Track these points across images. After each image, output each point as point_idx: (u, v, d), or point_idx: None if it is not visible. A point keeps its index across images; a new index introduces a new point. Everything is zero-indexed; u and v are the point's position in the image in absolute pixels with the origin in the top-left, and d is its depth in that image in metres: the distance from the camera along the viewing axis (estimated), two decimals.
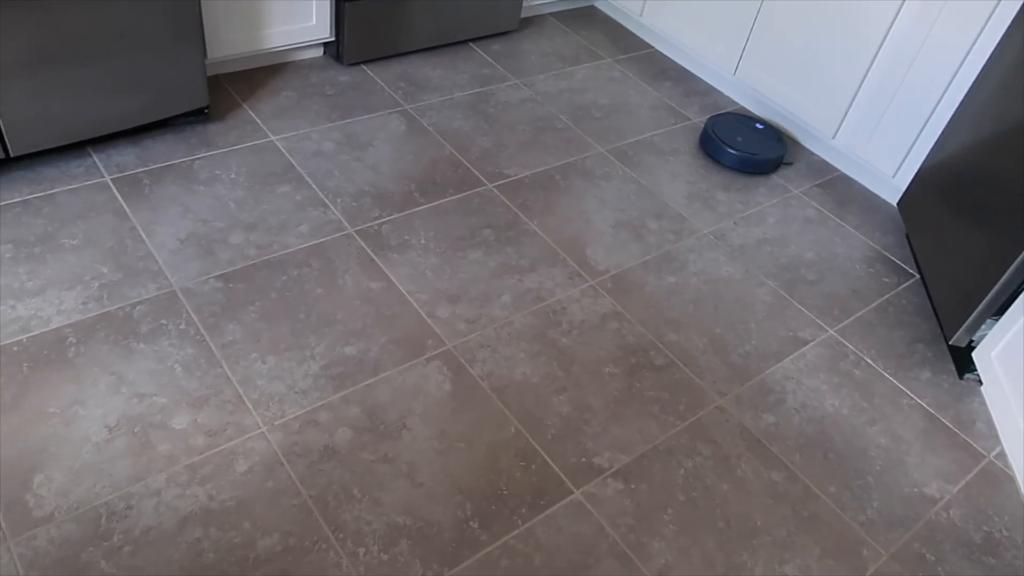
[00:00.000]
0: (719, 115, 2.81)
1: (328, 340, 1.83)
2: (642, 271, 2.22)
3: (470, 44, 3.04)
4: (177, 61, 2.15)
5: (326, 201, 2.20)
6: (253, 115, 2.45)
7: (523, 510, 1.60)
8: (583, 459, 1.72)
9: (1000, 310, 2.01)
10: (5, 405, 1.56)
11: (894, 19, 2.40)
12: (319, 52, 2.79)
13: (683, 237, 2.37)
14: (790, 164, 2.76)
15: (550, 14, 3.34)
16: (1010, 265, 1.93)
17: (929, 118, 2.41)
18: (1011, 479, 1.87)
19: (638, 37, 3.32)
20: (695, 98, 3.01)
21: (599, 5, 3.48)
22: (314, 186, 2.24)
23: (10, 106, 1.93)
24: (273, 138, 2.38)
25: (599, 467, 1.71)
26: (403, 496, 1.57)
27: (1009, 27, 2.15)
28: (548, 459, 1.70)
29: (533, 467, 1.68)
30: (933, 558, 1.68)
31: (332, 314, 1.90)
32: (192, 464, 1.54)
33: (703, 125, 2.87)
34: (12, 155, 2.00)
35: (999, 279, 1.96)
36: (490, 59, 2.97)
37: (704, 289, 2.20)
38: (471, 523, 1.56)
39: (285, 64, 2.71)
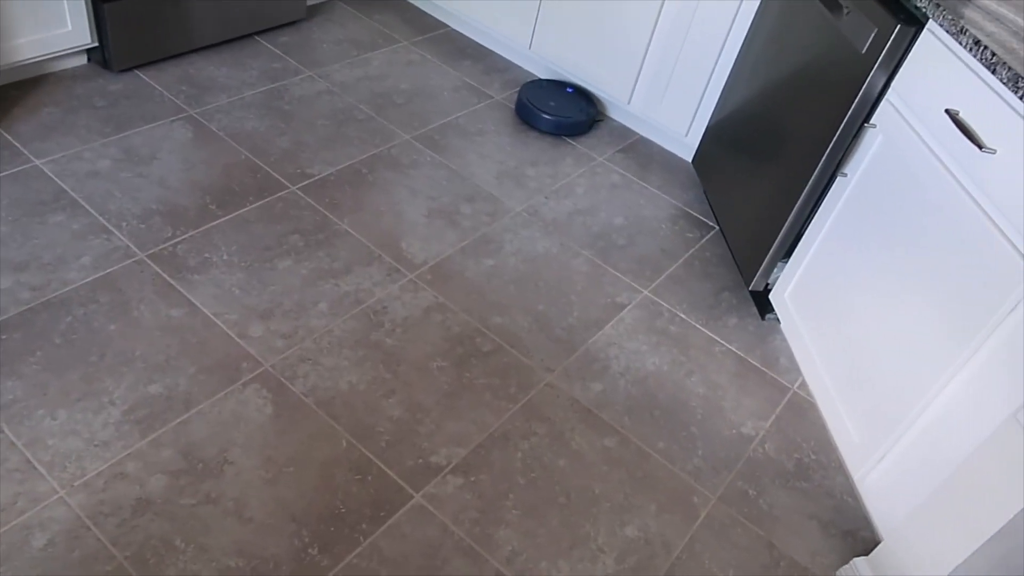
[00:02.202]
0: (531, 83, 2.85)
1: (128, 381, 1.68)
2: (461, 258, 2.21)
3: (256, 38, 2.86)
4: None
5: (109, 227, 2.01)
6: (11, 138, 2.18)
7: (363, 525, 1.56)
8: (420, 460, 1.70)
9: (788, 252, 2.18)
10: None
11: None
12: (83, 60, 2.53)
13: (498, 218, 2.38)
14: (602, 120, 2.87)
15: None
16: (791, 210, 2.09)
17: (711, 77, 2.55)
18: (813, 405, 2.05)
19: (433, 17, 3.27)
20: (496, 75, 3.02)
21: None
22: (93, 211, 2.03)
23: None
24: (38, 162, 2.13)
25: (437, 465, 1.70)
26: (232, 536, 1.48)
27: None
28: (384, 467, 1.66)
29: (370, 478, 1.64)
30: (755, 492, 1.81)
31: (130, 351, 1.74)
32: None
33: (515, 96, 2.89)
34: None
35: (784, 224, 2.12)
36: (280, 52, 2.82)
37: (523, 268, 2.23)
38: (310, 550, 1.50)
39: (44, 76, 2.43)
